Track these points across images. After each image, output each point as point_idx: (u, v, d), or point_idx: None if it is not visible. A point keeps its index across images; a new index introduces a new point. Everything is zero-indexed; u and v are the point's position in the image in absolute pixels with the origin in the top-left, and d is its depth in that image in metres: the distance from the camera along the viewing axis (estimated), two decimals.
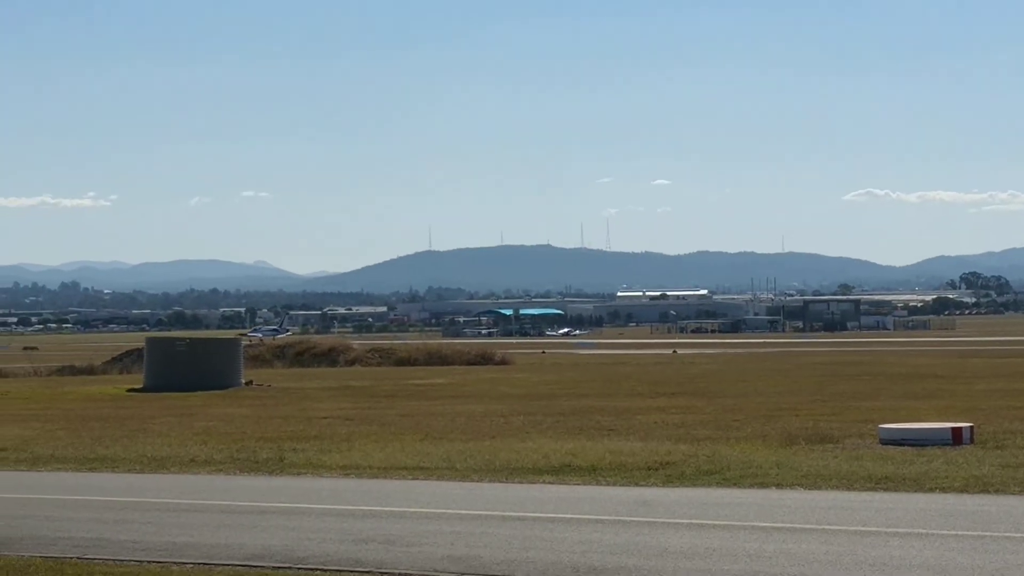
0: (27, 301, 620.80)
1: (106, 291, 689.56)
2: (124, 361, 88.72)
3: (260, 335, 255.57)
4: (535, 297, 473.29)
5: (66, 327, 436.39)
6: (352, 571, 16.19)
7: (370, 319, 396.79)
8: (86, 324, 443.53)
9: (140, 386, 61.33)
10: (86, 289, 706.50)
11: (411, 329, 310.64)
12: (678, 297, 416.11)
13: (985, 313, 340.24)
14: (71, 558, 17.10)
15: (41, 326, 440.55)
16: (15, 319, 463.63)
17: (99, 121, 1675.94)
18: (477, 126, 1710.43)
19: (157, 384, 59.87)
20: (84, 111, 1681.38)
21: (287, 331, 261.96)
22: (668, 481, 23.99)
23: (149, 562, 16.83)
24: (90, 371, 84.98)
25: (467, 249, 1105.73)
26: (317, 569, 16.32)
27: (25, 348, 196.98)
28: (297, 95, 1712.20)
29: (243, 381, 61.89)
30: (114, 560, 16.96)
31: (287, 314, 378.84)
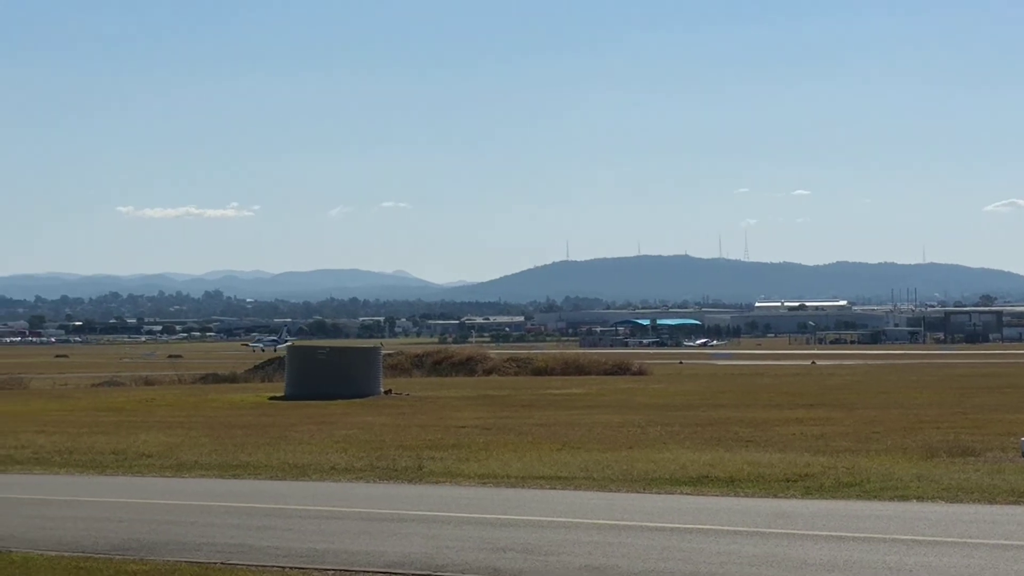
0: (172, 310, 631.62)
1: (248, 300, 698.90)
2: (266, 369, 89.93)
3: (261, 347, 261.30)
4: (672, 307, 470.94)
5: (209, 335, 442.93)
6: None
7: (507, 328, 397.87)
8: (229, 332, 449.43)
9: (281, 394, 62.07)
10: (229, 298, 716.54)
11: (548, 339, 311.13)
12: (817, 308, 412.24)
13: None
14: (215, 563, 17.35)
15: (185, 334, 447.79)
16: (160, 327, 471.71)
17: (243, 133, 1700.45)
18: (615, 136, 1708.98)
19: (298, 392, 60.55)
20: (228, 123, 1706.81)
21: (287, 341, 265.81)
22: (807, 493, 23.84)
23: (291, 568, 17.02)
24: (233, 379, 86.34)
25: (604, 259, 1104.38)
26: None
27: (170, 356, 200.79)
28: (438, 106, 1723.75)
29: (382, 390, 62.40)
30: (257, 566, 17.17)
31: (285, 327, 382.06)
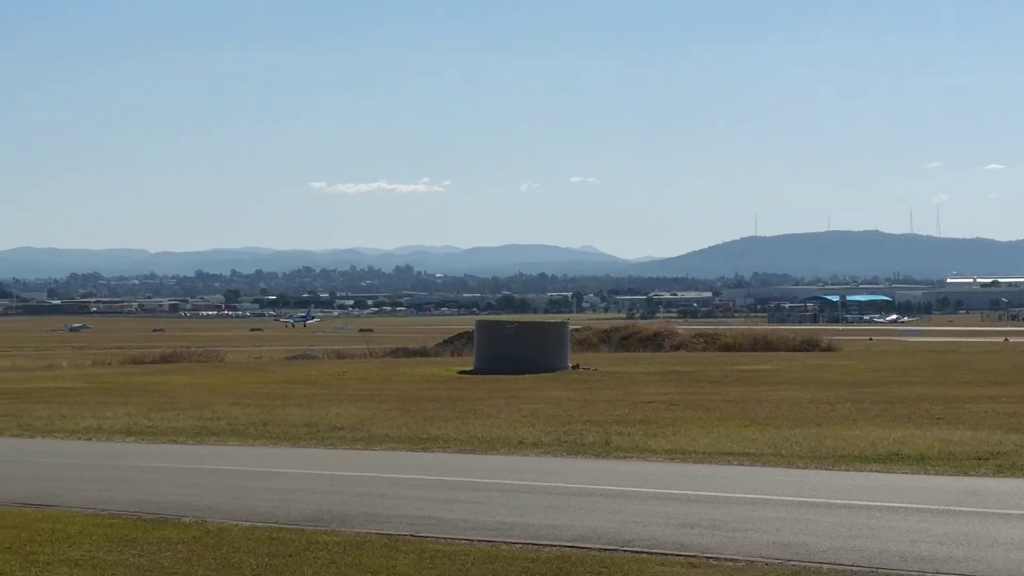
0: (363, 284, 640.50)
1: (438, 275, 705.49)
2: (455, 344, 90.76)
3: (292, 322, 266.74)
4: (862, 283, 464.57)
5: (400, 310, 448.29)
6: (677, 555, 16.24)
7: (695, 304, 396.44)
8: (419, 307, 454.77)
9: (470, 368, 62.57)
10: (419, 273, 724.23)
11: (736, 315, 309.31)
12: (1011, 284, 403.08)
13: None
14: (404, 535, 17.56)
15: (376, 308, 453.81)
16: (352, 301, 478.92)
17: (435, 109, 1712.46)
18: (803, 112, 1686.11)
19: (486, 366, 61.01)
20: (418, 100, 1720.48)
21: (314, 318, 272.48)
22: (999, 471, 23.41)
23: (479, 541, 17.18)
24: (423, 353, 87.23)
25: (793, 235, 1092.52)
26: (643, 552, 16.42)
27: (361, 330, 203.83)
28: (627, 84, 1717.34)
29: (570, 365, 62.58)
30: (445, 538, 17.36)
31: (311, 304, 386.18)
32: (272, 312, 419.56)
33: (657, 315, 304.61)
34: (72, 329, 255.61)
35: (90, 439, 32.46)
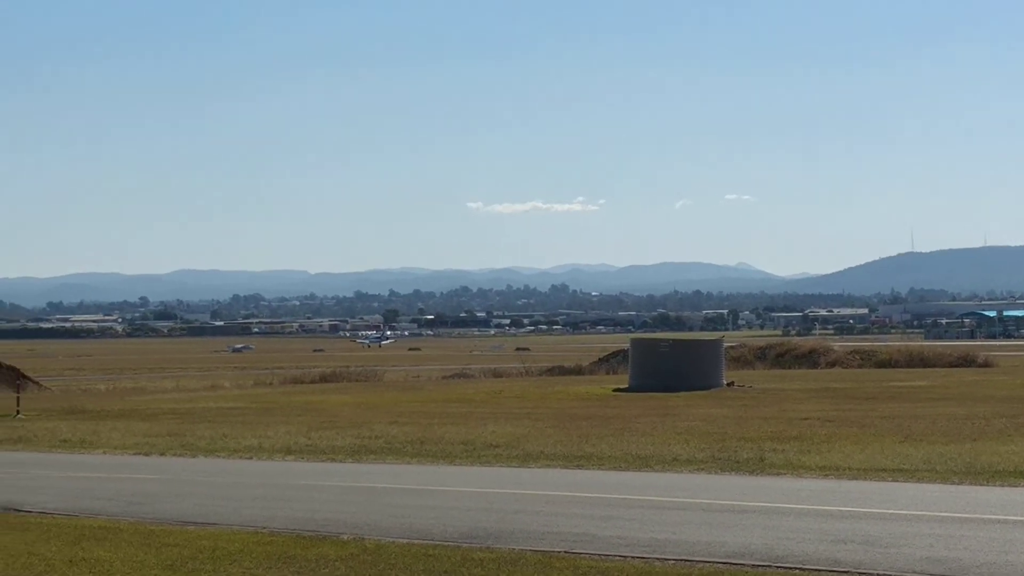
0: (519, 303, 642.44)
1: (594, 293, 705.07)
2: (610, 362, 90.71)
3: (367, 342, 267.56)
4: (1020, 298, 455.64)
5: (556, 328, 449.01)
6: (830, 571, 16.17)
7: (851, 320, 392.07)
8: (574, 326, 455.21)
9: (625, 386, 62.61)
10: (575, 291, 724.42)
11: (892, 331, 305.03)
12: None
13: None
14: (558, 552, 17.67)
15: (532, 327, 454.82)
16: (508, 320, 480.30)
17: (588, 128, 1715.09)
18: (960, 126, 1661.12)
19: (641, 384, 61.00)
20: (573, 120, 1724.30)
21: (389, 339, 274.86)
22: None
23: (633, 558, 17.24)
24: (578, 371, 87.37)
25: (950, 250, 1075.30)
26: (795, 568, 16.39)
27: (518, 349, 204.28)
28: (781, 101, 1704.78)
29: (725, 382, 62.33)
30: (599, 555, 17.43)
31: (388, 321, 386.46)
32: (430, 331, 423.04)
33: (813, 332, 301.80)
34: (235, 350, 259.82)
35: (251, 458, 33.12)
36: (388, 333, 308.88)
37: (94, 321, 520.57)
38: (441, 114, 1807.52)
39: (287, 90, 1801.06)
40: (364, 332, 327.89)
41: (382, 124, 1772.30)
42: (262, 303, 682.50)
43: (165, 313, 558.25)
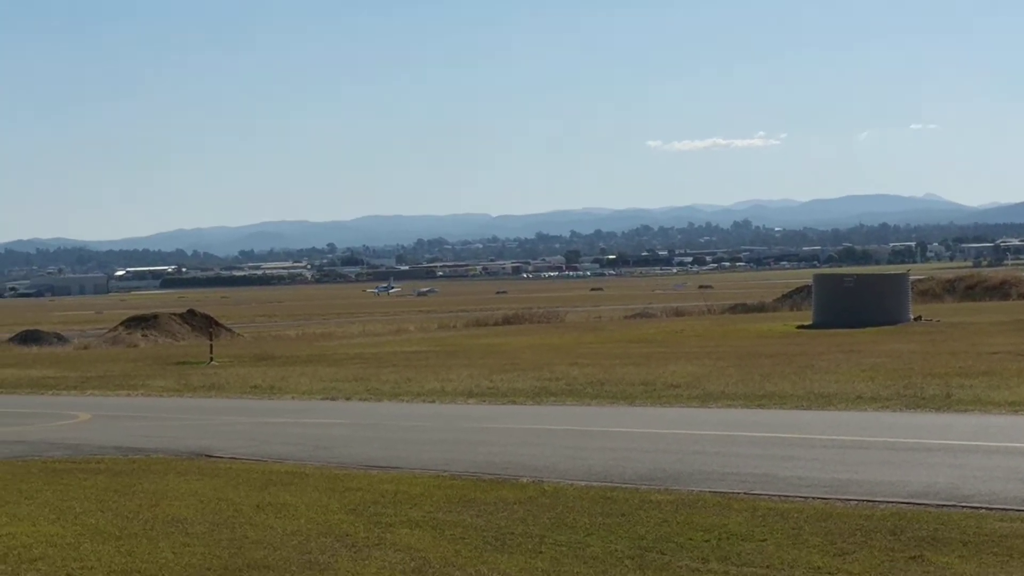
0: (701, 241, 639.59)
1: (776, 229, 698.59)
2: (794, 298, 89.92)
3: (376, 291, 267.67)
4: None
5: (739, 265, 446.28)
6: (1019, 510, 15.83)
7: None
8: (758, 262, 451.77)
9: (809, 323, 61.98)
10: (757, 227, 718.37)
11: None
12: None
13: None
14: (738, 493, 17.54)
15: (715, 265, 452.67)
16: (690, 258, 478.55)
17: (766, 61, 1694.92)
18: None
19: (825, 320, 60.32)
20: (751, 53, 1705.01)
21: (395, 288, 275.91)
22: None
23: (813, 498, 17.04)
24: (761, 308, 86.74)
25: None
26: (982, 507, 16.02)
27: (700, 287, 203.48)
28: (967, 25, 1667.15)
29: (911, 316, 61.35)
30: (779, 496, 17.25)
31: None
32: (612, 271, 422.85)
33: (1005, 263, 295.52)
34: (420, 294, 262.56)
35: (434, 401, 33.46)
36: (394, 284, 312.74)
37: (284, 268, 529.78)
38: (620, 55, 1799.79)
39: (483, 43, 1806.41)
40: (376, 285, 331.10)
41: (561, 67, 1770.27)
42: (445, 247, 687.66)
43: (352, 259, 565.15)
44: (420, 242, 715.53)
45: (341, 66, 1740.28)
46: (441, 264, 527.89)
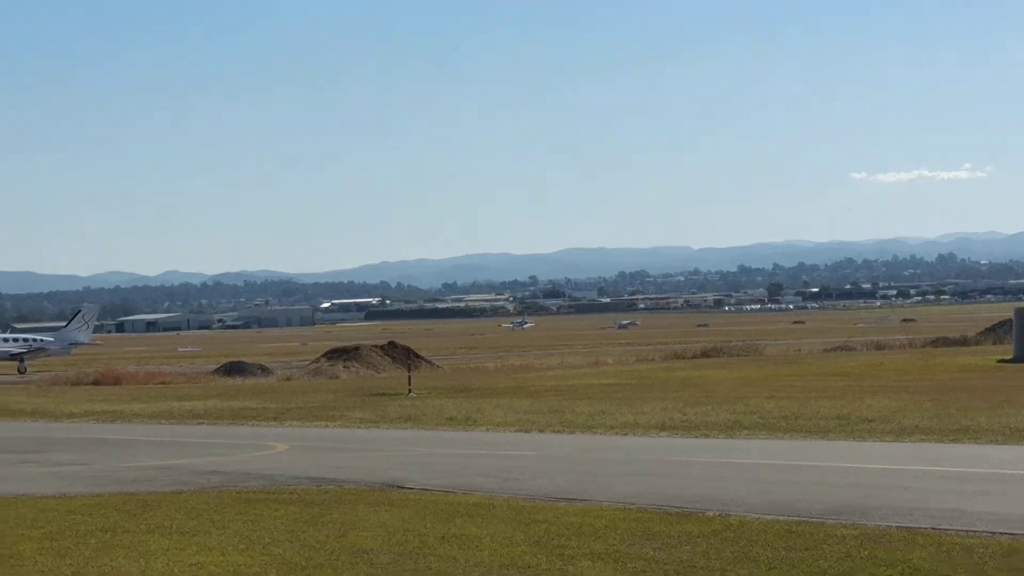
0: (905, 273, 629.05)
1: (982, 262, 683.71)
2: (997, 332, 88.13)
3: (512, 326, 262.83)
4: None
5: (943, 298, 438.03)
6: None
7: None
8: (963, 295, 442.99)
9: (1010, 357, 60.77)
10: (962, 260, 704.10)
11: None
12: None
13: None
14: (924, 528, 17.40)
15: (919, 298, 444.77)
16: (894, 292, 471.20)
17: (976, 93, 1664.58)
18: None
19: None
20: (960, 86, 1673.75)
21: (528, 324, 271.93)
22: None
23: (1000, 534, 16.83)
24: (962, 342, 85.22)
25: None
26: None
27: (903, 320, 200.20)
28: None
29: None
30: (966, 531, 17.05)
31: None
32: (815, 304, 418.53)
33: None
34: (620, 326, 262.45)
35: (626, 434, 33.62)
36: (527, 320, 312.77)
37: (486, 300, 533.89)
38: (826, 85, 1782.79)
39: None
40: (512, 319, 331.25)
41: (761, 95, 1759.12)
42: (647, 279, 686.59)
43: (553, 291, 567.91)
44: (622, 274, 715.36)
45: (521, 92, 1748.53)
46: (643, 296, 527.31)
